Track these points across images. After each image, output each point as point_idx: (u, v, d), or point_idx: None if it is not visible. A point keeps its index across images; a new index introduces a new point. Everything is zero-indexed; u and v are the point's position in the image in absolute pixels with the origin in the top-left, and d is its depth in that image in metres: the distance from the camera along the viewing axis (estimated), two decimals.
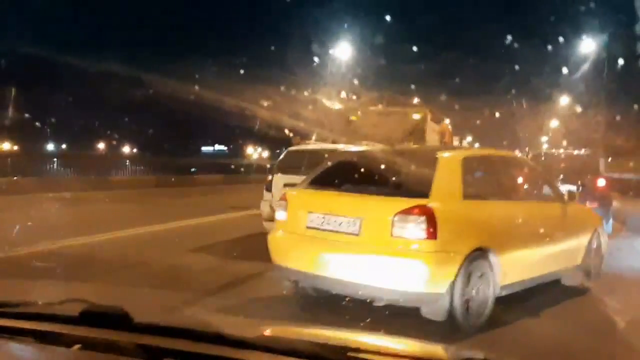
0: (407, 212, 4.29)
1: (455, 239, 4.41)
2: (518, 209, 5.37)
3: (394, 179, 4.89)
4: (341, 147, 8.93)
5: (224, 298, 5.40)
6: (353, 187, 4.86)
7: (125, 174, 23.29)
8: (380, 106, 17.14)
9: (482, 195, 5.03)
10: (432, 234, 4.20)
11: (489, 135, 52.06)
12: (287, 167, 8.77)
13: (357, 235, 4.47)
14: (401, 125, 16.41)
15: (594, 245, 6.20)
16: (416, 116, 16.58)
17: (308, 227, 4.77)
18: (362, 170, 5.09)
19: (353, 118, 16.99)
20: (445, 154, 5.09)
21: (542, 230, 5.40)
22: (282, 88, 21.57)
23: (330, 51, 24.35)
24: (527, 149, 28.36)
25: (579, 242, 5.98)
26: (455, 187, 4.66)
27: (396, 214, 4.30)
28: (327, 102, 17.43)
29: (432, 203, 4.33)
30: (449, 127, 21.50)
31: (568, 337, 4.41)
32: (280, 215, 5.12)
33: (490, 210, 4.97)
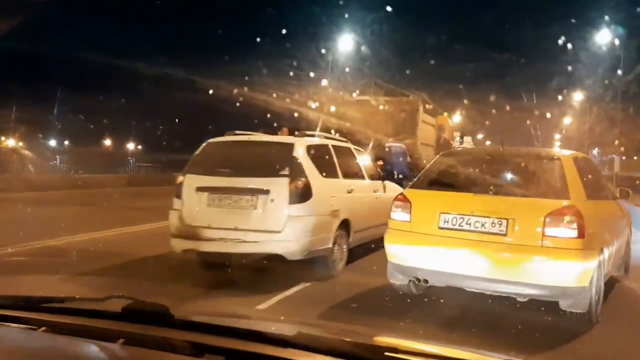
0: (558, 212, 4.45)
1: (593, 236, 4.59)
2: (608, 207, 5.73)
3: (527, 180, 5.12)
4: (298, 140, 6.44)
5: None
6: (491, 189, 4.93)
7: (127, 171, 21.43)
8: (367, 96, 14.61)
9: (591, 195, 5.08)
10: (581, 233, 4.39)
11: (500, 132, 49.73)
12: (204, 165, 6.36)
13: (504, 235, 4.56)
14: (391, 117, 13.97)
15: (629, 238, 6.53)
16: (407, 107, 14.10)
17: (441, 228, 4.80)
18: (489, 171, 5.23)
19: (337, 110, 14.54)
20: (564, 155, 5.36)
21: (616, 226, 5.83)
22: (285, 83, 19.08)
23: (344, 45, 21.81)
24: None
25: (624, 235, 6.23)
26: (581, 188, 4.87)
27: (547, 215, 4.44)
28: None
29: (576, 203, 4.55)
30: (450, 121, 18.92)
31: (614, 340, 4.52)
32: (400, 216, 5.10)
33: (600, 209, 5.23)
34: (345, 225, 6.55)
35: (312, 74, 18.36)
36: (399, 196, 5.27)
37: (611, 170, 26.94)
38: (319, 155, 6.47)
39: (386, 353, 1.33)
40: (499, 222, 4.58)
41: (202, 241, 5.97)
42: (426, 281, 4.95)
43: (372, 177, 7.81)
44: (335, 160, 6.73)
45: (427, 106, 14.80)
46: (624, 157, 31.09)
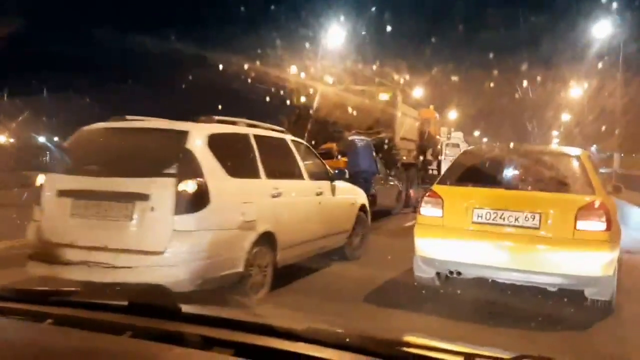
0: (589, 207, 4.69)
1: (616, 229, 4.86)
2: (614, 201, 5.56)
3: (552, 176, 5.33)
4: (196, 127, 4.76)
5: None
6: (521, 185, 5.21)
7: None
8: (340, 84, 12.87)
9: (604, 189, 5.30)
10: (609, 225, 4.63)
11: (495, 129, 48.18)
12: (72, 161, 4.68)
13: (537, 228, 4.74)
14: (366, 108, 12.26)
15: None
16: (383, 97, 12.37)
17: (475, 222, 4.95)
18: (513, 168, 5.42)
19: (305, 100, 12.83)
20: (582, 152, 5.55)
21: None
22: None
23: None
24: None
25: None
26: (600, 184, 5.13)
27: (579, 209, 4.66)
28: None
29: (601, 198, 4.82)
30: (436, 115, 17.17)
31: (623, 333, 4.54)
32: (431, 212, 5.16)
33: (612, 203, 5.19)
34: (268, 239, 4.88)
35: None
36: (430, 192, 5.36)
37: (610, 167, 25.20)
38: (228, 148, 4.79)
39: (397, 347, 1.31)
40: (532, 217, 4.77)
41: (62, 265, 4.29)
42: (459, 273, 5.07)
43: (316, 177, 6.13)
44: (257, 155, 5.04)
45: (404, 95, 13.00)
46: (622, 155, 29.32)
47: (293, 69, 13.02)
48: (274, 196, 5.06)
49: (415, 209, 13.35)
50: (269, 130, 5.64)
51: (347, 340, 1.32)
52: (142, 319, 1.43)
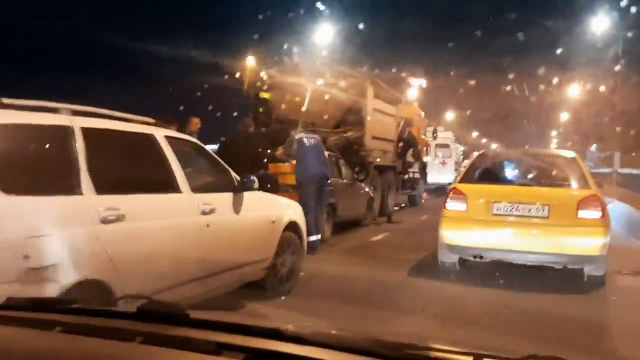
0: (587, 199, 5.57)
1: (608, 217, 5.66)
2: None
3: (556, 174, 6.25)
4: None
5: None
6: (533, 182, 6.18)
7: None
8: (302, 78, 10.99)
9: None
10: (603, 214, 5.54)
11: (496, 129, 46.40)
12: None
13: (546, 217, 5.60)
14: (332, 104, 10.43)
15: None
16: (351, 90, 10.50)
17: (494, 214, 5.74)
18: (523, 167, 6.43)
19: (265, 95, 10.99)
20: (576, 154, 6.51)
21: None
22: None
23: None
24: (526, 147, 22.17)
25: None
26: (592, 180, 5.97)
27: (579, 201, 5.57)
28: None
29: (596, 192, 5.70)
30: (420, 112, 15.28)
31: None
32: (457, 206, 5.94)
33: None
34: (91, 293, 3.05)
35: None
36: (454, 190, 6.10)
37: (610, 167, 23.35)
38: (17, 150, 2.99)
39: (405, 350, 1.29)
40: (542, 208, 5.62)
41: None
42: (481, 257, 5.88)
43: (209, 188, 4.32)
44: (80, 158, 3.18)
45: (376, 88, 11.11)
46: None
47: (250, 61, 11.15)
48: (106, 221, 3.22)
49: (390, 218, 11.69)
50: (122, 123, 3.80)
51: (356, 343, 1.30)
52: (152, 325, 1.40)
